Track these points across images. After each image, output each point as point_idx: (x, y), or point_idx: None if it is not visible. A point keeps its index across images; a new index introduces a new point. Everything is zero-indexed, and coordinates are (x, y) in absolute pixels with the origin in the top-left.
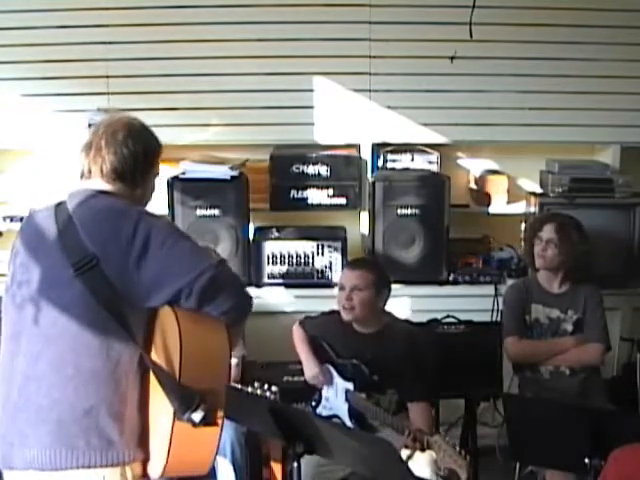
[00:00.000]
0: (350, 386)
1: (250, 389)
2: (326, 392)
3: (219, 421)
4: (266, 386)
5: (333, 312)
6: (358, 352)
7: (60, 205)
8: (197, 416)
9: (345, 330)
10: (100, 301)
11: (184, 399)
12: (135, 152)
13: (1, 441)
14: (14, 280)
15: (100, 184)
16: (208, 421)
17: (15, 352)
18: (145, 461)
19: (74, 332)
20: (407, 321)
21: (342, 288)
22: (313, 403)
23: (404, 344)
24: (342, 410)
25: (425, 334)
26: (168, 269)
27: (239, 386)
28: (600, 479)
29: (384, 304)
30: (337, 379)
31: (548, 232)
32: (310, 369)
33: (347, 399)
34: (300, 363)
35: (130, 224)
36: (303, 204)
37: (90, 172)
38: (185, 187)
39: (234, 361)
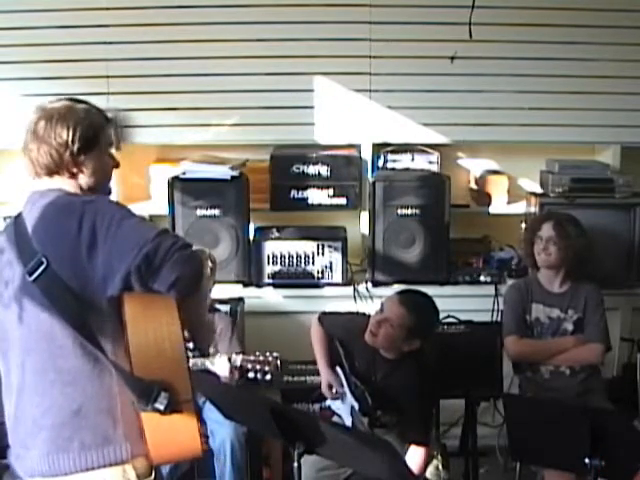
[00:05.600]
0: (356, 405)
1: (252, 357)
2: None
3: (187, 405)
4: (267, 353)
5: (360, 315)
6: (371, 369)
7: (24, 207)
8: (161, 404)
9: (367, 344)
10: (58, 308)
11: (142, 391)
12: (56, 143)
13: (10, 455)
14: (1, 279)
15: (43, 181)
16: (174, 407)
17: (7, 368)
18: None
19: (48, 335)
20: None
21: (381, 310)
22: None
23: (414, 380)
24: (346, 416)
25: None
26: (115, 254)
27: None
28: None
29: (410, 349)
30: (347, 389)
31: (547, 230)
32: (324, 378)
33: (351, 414)
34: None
35: (75, 218)
36: (303, 204)
37: (34, 172)
38: (185, 187)
39: (224, 360)
